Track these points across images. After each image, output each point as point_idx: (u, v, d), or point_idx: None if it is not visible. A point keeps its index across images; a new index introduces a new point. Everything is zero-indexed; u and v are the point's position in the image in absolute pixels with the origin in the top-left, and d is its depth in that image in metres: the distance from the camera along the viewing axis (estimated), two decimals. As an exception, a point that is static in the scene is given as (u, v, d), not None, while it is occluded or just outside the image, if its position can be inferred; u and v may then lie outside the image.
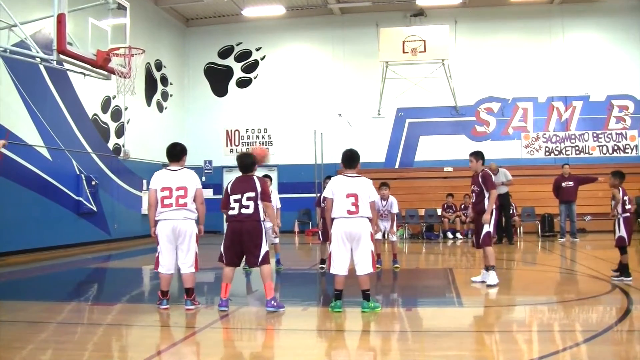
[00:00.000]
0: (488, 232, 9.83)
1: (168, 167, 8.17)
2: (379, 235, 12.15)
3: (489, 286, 9.65)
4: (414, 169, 23.51)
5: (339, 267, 7.71)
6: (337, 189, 7.85)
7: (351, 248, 7.72)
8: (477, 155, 10.24)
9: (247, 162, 8.11)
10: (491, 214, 9.83)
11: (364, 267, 7.67)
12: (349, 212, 7.69)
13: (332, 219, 7.82)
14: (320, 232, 12.33)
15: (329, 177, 12.32)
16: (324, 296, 9.97)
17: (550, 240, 18.94)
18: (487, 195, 9.85)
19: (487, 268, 9.90)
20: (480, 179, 9.94)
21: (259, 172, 8.66)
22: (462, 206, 20.44)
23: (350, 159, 8.07)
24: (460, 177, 21.87)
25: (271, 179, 12.42)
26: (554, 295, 9.59)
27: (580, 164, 22.09)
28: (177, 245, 7.95)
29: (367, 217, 7.74)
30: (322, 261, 12.13)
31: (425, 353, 6.06)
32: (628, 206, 10.23)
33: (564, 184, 18.44)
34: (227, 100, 25.17)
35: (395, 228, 12.61)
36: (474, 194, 10.08)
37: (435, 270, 13.50)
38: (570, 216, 18.49)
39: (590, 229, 20.89)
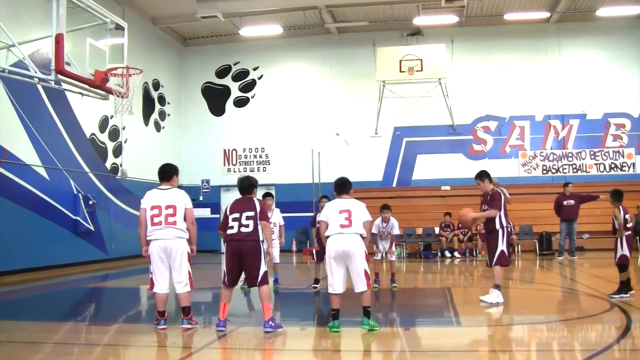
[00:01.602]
0: (502, 252, 9.73)
1: (159, 187, 8.20)
2: (377, 255, 12.16)
3: (485, 303, 9.61)
4: (412, 187, 23.53)
5: (335, 285, 7.71)
6: (331, 209, 7.98)
7: (347, 266, 7.71)
8: (482, 176, 10.18)
9: (246, 185, 8.15)
10: (493, 235, 9.78)
11: (359, 285, 7.67)
12: (342, 225, 7.76)
13: (327, 237, 7.87)
14: (314, 252, 12.31)
15: (325, 197, 12.40)
16: (320, 316, 9.92)
17: (548, 258, 18.90)
18: (495, 213, 9.78)
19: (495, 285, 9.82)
20: (488, 198, 9.92)
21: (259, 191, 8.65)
22: (460, 225, 20.42)
23: (341, 186, 8.27)
24: (457, 195, 21.90)
25: (273, 197, 12.42)
26: (552, 314, 9.56)
27: (577, 182, 22.02)
28: (170, 264, 7.93)
29: (360, 235, 7.76)
30: (316, 281, 12.12)
31: (424, 373, 6.03)
32: (629, 224, 10.22)
33: (565, 202, 18.47)
34: (225, 120, 25.20)
35: (394, 248, 12.59)
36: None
37: (434, 290, 13.48)
38: (570, 234, 18.50)
39: (589, 247, 20.88)
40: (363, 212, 7.94)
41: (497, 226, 9.76)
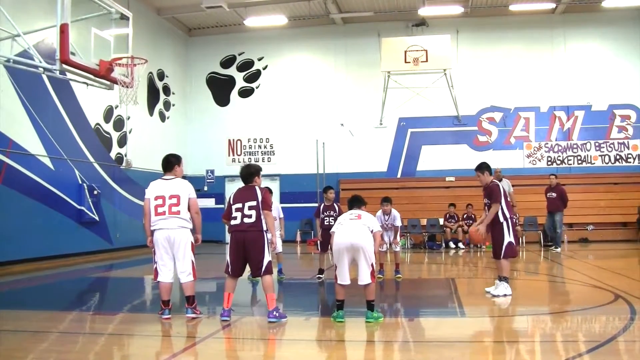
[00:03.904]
0: (510, 243, 9.71)
1: (162, 177, 8.24)
2: (383, 247, 12.16)
3: (494, 296, 9.61)
4: (416, 178, 23.51)
5: (341, 277, 7.74)
6: (343, 217, 8.21)
7: (353, 258, 7.73)
8: (481, 168, 10.12)
9: (247, 173, 8.16)
10: (498, 228, 9.76)
11: (363, 277, 7.68)
12: (351, 219, 7.91)
13: (334, 232, 7.98)
14: (319, 243, 12.32)
15: (329, 188, 12.43)
16: (325, 306, 9.94)
17: (551, 250, 18.85)
18: (498, 207, 9.75)
19: (500, 278, 9.81)
20: (488, 190, 9.89)
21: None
22: (465, 216, 20.44)
23: (354, 201, 8.57)
24: (462, 186, 21.91)
25: (271, 192, 12.37)
26: (556, 305, 9.55)
27: (582, 174, 22.15)
28: (174, 254, 7.96)
29: (368, 227, 7.80)
30: (320, 271, 12.14)
31: (428, 363, 6.04)
32: None
33: (548, 195, 18.69)
34: (230, 110, 25.20)
35: (398, 238, 12.59)
36: (486, 207, 9.99)
37: (438, 280, 13.48)
38: (552, 225, 18.58)
39: (593, 238, 20.89)
40: (373, 221, 8.11)
41: (501, 218, 9.74)
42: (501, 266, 9.77)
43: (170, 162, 8.29)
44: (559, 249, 18.20)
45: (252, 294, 11.01)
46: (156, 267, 8.04)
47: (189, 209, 8.01)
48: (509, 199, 10.13)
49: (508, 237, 9.71)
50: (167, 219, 7.89)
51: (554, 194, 18.60)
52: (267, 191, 8.23)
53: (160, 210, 7.92)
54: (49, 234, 16.11)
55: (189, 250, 8.00)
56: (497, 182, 10.04)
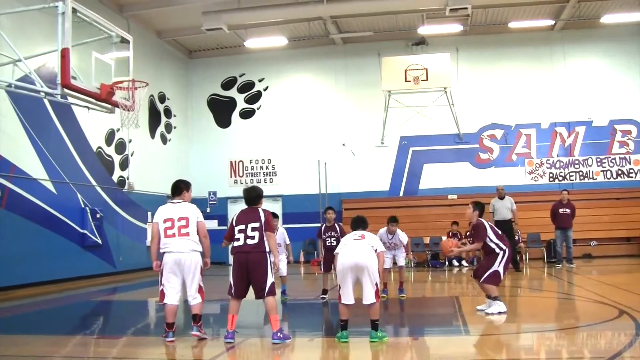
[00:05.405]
0: (496, 272, 9.61)
1: (171, 201, 8.26)
2: (388, 264, 12.06)
3: (487, 314, 9.53)
4: (419, 197, 23.49)
5: (345, 297, 7.70)
6: (347, 238, 8.21)
7: (357, 277, 7.70)
8: (475, 206, 10.23)
9: (252, 196, 8.18)
10: (492, 256, 9.74)
11: (367, 297, 7.64)
12: (354, 239, 7.90)
13: (337, 254, 7.99)
14: (322, 263, 12.29)
15: (330, 208, 12.43)
16: (329, 326, 9.90)
17: (556, 266, 18.79)
18: (478, 247, 9.86)
19: (490, 297, 9.74)
20: (472, 228, 9.96)
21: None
22: (467, 234, 20.37)
23: (357, 222, 8.47)
24: (464, 204, 21.64)
25: (277, 216, 12.35)
26: (561, 322, 9.51)
27: (584, 189, 22.10)
28: (183, 277, 7.94)
29: (372, 246, 7.78)
30: (324, 291, 12.10)
31: (433, 382, 6.01)
32: None
33: (560, 210, 18.49)
34: (231, 132, 25.25)
35: (407, 253, 12.55)
36: (469, 240, 10.04)
37: (442, 299, 13.44)
38: (566, 242, 18.46)
39: (596, 254, 20.83)
40: (377, 241, 8.12)
41: (497, 249, 9.70)
42: (487, 288, 9.71)
43: (179, 188, 8.34)
44: (574, 265, 18.16)
45: (256, 315, 10.97)
46: (162, 289, 7.98)
47: (197, 232, 8.02)
48: (499, 232, 10.06)
49: (496, 266, 9.64)
50: (177, 240, 7.88)
51: (568, 210, 18.45)
52: (270, 212, 8.22)
53: (169, 232, 7.92)
54: (52, 258, 16.08)
55: (198, 273, 7.97)
56: (482, 220, 10.02)
